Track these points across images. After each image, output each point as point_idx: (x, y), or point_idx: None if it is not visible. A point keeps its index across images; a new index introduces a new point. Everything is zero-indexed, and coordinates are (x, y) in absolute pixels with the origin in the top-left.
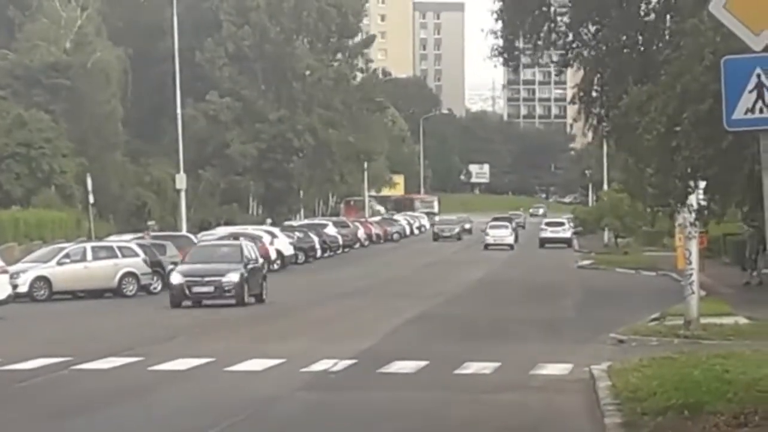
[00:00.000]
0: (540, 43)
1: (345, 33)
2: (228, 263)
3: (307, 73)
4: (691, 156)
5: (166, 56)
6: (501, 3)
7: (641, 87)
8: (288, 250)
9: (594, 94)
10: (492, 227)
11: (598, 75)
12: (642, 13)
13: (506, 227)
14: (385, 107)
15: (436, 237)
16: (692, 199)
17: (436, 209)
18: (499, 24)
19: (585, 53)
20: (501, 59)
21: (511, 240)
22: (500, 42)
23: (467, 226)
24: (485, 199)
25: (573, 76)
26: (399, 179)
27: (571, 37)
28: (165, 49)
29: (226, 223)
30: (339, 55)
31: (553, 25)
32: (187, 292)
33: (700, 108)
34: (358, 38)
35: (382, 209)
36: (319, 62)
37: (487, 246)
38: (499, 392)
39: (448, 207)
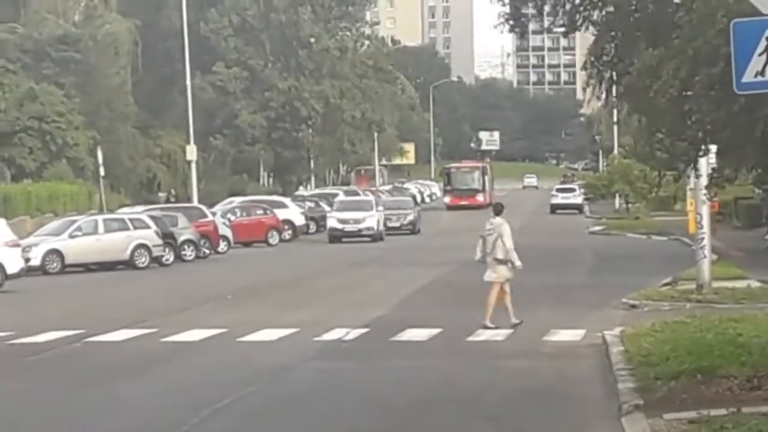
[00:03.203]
0: (547, 7)
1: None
2: None
3: (312, 40)
4: (702, 119)
5: (173, 29)
6: None
7: (653, 51)
8: (299, 220)
9: (605, 57)
10: (527, 178)
11: (610, 37)
12: None
13: (534, 177)
14: (395, 77)
15: (334, 238)
16: (703, 163)
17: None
18: None
19: (595, 15)
20: (507, 26)
21: (536, 184)
22: (507, 9)
23: (410, 215)
24: (496, 167)
25: (582, 41)
26: (409, 147)
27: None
28: (172, 21)
29: (232, 194)
30: (343, 24)
31: None
32: None
33: (712, 71)
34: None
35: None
36: (324, 30)
37: (524, 187)
38: (512, 358)
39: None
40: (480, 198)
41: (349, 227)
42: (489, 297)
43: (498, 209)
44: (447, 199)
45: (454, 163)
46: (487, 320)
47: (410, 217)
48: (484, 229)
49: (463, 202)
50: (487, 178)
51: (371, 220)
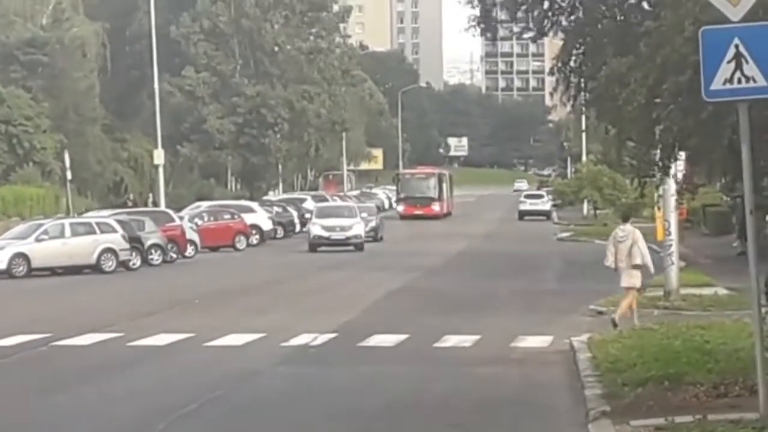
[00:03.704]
0: (519, 13)
1: (319, 6)
2: None
3: (276, 48)
4: (670, 127)
5: (142, 33)
6: None
7: (621, 59)
8: (267, 225)
9: (572, 63)
10: (517, 183)
11: (578, 44)
12: None
13: (524, 182)
14: (362, 80)
15: (317, 246)
16: (673, 171)
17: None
18: None
19: (563, 21)
20: (478, 30)
21: (525, 187)
22: (477, 12)
23: (372, 222)
24: (464, 173)
25: (550, 48)
26: (378, 153)
27: (547, 4)
28: (140, 25)
29: (199, 199)
30: (314, 30)
31: None
32: None
33: (680, 80)
34: (334, 10)
35: None
36: (294, 37)
37: (514, 190)
38: (479, 365)
39: None
40: (436, 207)
41: (335, 235)
42: (625, 301)
43: (626, 215)
44: (400, 208)
45: (407, 169)
46: (617, 317)
47: (372, 224)
48: (616, 236)
49: (417, 212)
50: (444, 185)
51: (358, 227)
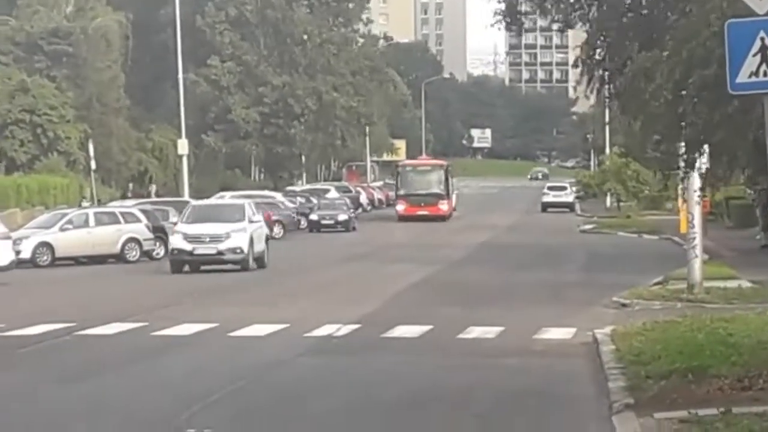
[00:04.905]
0: (545, 3)
1: None
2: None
3: (305, 37)
4: (696, 121)
5: (167, 22)
6: None
7: (647, 53)
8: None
9: (597, 56)
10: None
11: (602, 37)
12: None
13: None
14: (389, 78)
15: (179, 263)
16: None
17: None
18: None
19: (589, 14)
20: (503, 24)
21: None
22: (502, 6)
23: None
24: (488, 165)
25: (575, 39)
26: (401, 144)
27: None
28: (165, 14)
29: (223, 189)
30: (340, 19)
31: None
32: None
33: (705, 73)
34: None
35: None
36: (319, 27)
37: (530, 178)
38: (503, 356)
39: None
40: (443, 206)
41: (202, 249)
42: None
43: None
44: (400, 207)
45: (408, 160)
46: None
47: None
48: None
49: (421, 212)
50: (450, 180)
51: (239, 237)
